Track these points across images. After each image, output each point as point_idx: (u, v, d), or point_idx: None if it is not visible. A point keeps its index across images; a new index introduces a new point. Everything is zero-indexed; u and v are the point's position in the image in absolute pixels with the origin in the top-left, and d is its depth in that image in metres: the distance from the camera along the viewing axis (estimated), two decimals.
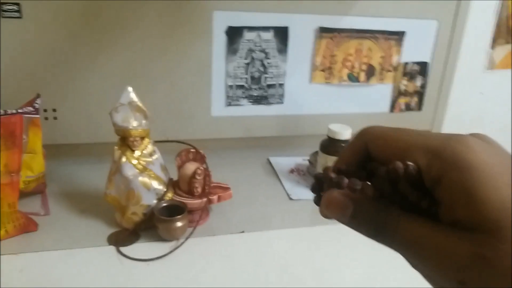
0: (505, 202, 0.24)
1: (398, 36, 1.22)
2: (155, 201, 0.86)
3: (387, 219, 0.27)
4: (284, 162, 1.21)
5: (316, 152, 1.10)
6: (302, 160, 1.22)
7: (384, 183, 0.28)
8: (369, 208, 0.28)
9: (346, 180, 0.29)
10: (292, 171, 1.16)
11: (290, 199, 1.03)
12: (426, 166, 0.26)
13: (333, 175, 0.30)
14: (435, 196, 0.26)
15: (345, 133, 1.00)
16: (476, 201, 0.24)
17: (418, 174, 0.27)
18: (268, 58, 1.15)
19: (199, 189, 0.88)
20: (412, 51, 1.25)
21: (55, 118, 1.07)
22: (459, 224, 0.25)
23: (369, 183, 0.29)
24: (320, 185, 0.32)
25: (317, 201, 0.32)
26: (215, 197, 0.90)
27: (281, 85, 1.19)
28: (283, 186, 1.08)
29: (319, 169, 1.04)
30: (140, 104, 0.83)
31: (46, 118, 1.06)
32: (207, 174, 0.89)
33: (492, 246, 0.23)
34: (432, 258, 0.25)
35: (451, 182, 0.25)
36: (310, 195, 1.08)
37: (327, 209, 0.30)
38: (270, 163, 1.21)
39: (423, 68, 1.28)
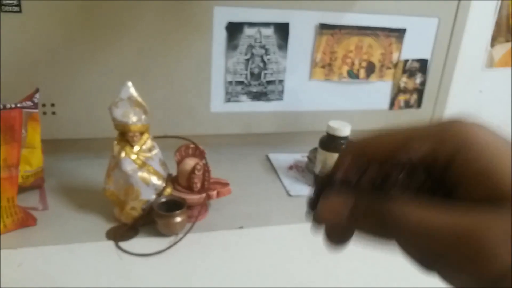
0: None
1: (398, 33, 1.22)
2: (154, 196, 0.85)
3: (391, 206, 0.24)
4: (283, 158, 1.21)
5: (315, 149, 1.09)
6: (301, 156, 1.22)
7: (390, 183, 0.26)
8: (368, 198, 0.26)
9: (339, 176, 0.28)
10: (291, 167, 1.16)
11: (289, 195, 1.03)
12: (433, 151, 0.25)
13: (323, 174, 0.29)
14: (447, 183, 0.25)
15: (345, 130, 1.00)
16: (494, 173, 0.23)
17: (425, 161, 0.26)
18: (268, 54, 1.14)
19: (198, 185, 0.88)
20: (412, 49, 1.25)
21: (53, 113, 1.07)
22: (482, 204, 0.23)
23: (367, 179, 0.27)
24: (318, 198, 0.29)
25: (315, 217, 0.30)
26: (214, 193, 0.89)
27: (280, 81, 1.19)
28: (282, 182, 1.08)
29: (318, 166, 1.04)
30: (139, 99, 0.83)
31: (45, 113, 1.05)
32: (206, 170, 0.89)
33: None
34: (462, 249, 0.22)
35: (464, 160, 0.24)
36: (309, 192, 1.07)
37: (324, 211, 0.28)
38: (269, 159, 1.21)
39: (423, 65, 1.28)
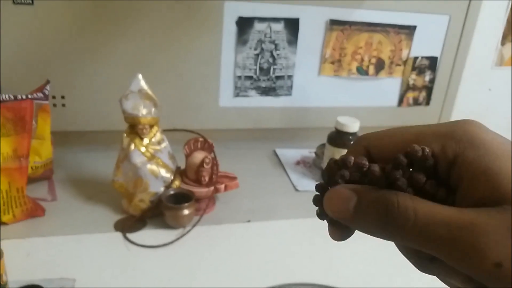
0: None
1: (408, 30, 1.21)
2: (162, 189, 0.86)
3: (401, 203, 0.25)
4: (290, 154, 1.21)
5: (323, 145, 1.09)
6: (308, 152, 1.22)
7: (398, 173, 0.26)
8: (376, 194, 0.26)
9: (352, 159, 0.28)
10: (298, 163, 1.16)
11: (296, 190, 1.03)
12: (440, 149, 0.26)
13: (339, 159, 0.28)
14: (451, 182, 0.26)
15: (353, 125, 1.00)
16: (496, 174, 0.23)
17: (432, 159, 0.26)
18: (278, 50, 1.14)
19: (207, 178, 0.89)
20: (422, 46, 1.25)
21: (63, 105, 1.07)
22: (482, 204, 0.23)
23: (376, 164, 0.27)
24: (323, 194, 0.29)
25: (321, 212, 0.30)
26: (222, 186, 0.90)
27: (289, 76, 1.19)
28: (289, 177, 1.08)
29: (326, 162, 1.04)
30: (149, 92, 0.83)
31: (55, 105, 1.06)
32: (214, 163, 0.89)
33: None
34: (462, 242, 0.22)
35: (467, 160, 0.25)
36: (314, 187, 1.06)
37: (329, 206, 0.28)
38: (276, 154, 1.21)
39: (432, 62, 1.28)
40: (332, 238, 0.30)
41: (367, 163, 0.27)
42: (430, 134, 0.27)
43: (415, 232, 0.24)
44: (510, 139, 0.27)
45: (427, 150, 0.26)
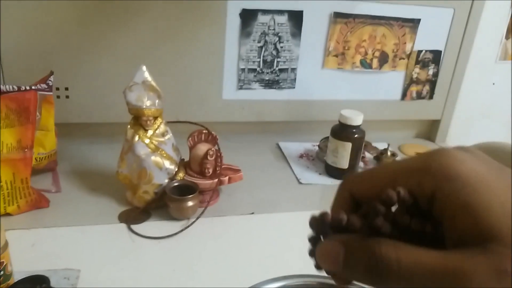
0: (505, 207, 0.23)
1: (412, 23, 1.21)
2: (166, 181, 0.86)
3: (384, 253, 0.24)
4: (293, 147, 1.21)
5: (326, 138, 1.09)
6: (311, 146, 1.22)
7: (379, 220, 0.26)
8: (361, 245, 0.26)
9: (329, 216, 0.28)
10: (301, 156, 1.16)
11: (300, 183, 1.03)
12: (417, 186, 0.26)
13: (318, 217, 0.29)
14: (434, 216, 0.25)
15: (357, 119, 1.00)
16: (475, 209, 0.23)
17: (412, 198, 0.26)
18: (282, 42, 1.14)
19: (211, 170, 0.89)
20: (426, 39, 1.24)
21: (67, 96, 1.07)
22: (465, 239, 0.23)
23: (357, 216, 0.27)
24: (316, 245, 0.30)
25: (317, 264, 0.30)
26: (226, 179, 0.90)
27: (293, 69, 1.18)
28: (292, 170, 1.08)
29: (329, 154, 1.04)
30: (153, 83, 0.83)
31: (58, 97, 1.06)
32: (218, 156, 0.89)
33: (510, 257, 0.22)
34: (450, 285, 0.22)
35: (445, 195, 0.24)
36: (319, 180, 1.07)
37: (321, 261, 0.28)
38: (279, 147, 1.21)
39: (436, 56, 1.27)
40: (336, 284, 0.30)
41: (345, 218, 0.27)
42: (405, 171, 0.27)
43: (401, 281, 0.24)
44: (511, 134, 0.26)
45: (401, 192, 0.26)
